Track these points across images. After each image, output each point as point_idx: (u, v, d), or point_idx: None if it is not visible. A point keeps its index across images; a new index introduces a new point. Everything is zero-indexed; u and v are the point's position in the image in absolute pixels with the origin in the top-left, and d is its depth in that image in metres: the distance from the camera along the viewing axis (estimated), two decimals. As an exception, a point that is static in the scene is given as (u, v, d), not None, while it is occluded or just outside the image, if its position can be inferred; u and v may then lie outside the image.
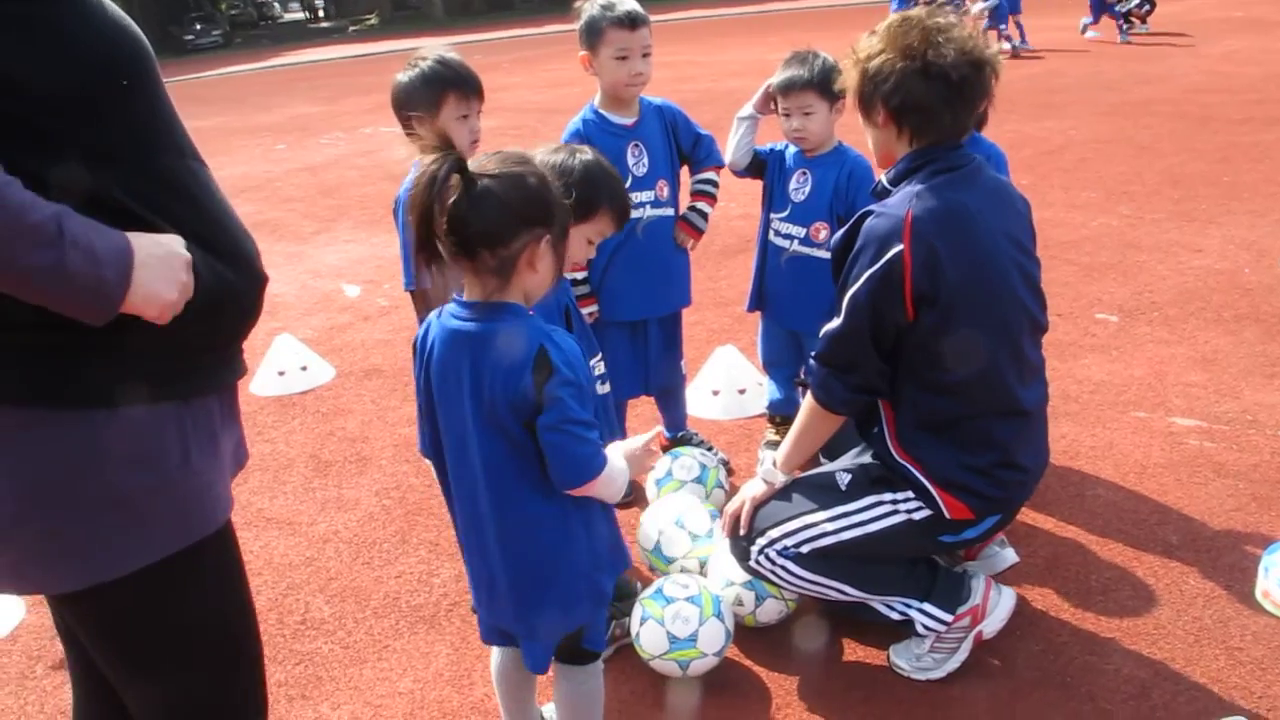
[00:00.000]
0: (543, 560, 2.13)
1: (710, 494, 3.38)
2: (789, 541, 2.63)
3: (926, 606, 2.63)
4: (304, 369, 5.17)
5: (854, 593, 2.65)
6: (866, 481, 2.62)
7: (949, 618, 2.62)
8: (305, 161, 12.02)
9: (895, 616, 2.67)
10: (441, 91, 3.04)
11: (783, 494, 2.70)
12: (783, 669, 2.82)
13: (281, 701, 2.91)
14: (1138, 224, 6.43)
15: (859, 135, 2.72)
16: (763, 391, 3.96)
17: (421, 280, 3.16)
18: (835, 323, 2.51)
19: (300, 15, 65.75)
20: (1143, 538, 3.21)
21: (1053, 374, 4.41)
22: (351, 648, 3.12)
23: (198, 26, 43.78)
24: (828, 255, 3.37)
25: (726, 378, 4.40)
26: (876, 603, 2.68)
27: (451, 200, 1.91)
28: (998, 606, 2.70)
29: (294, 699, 2.92)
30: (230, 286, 1.58)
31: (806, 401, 2.66)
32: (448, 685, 2.90)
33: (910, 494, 2.55)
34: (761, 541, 2.66)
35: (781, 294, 3.61)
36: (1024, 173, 7.82)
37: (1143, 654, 2.72)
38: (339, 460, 4.34)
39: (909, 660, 2.70)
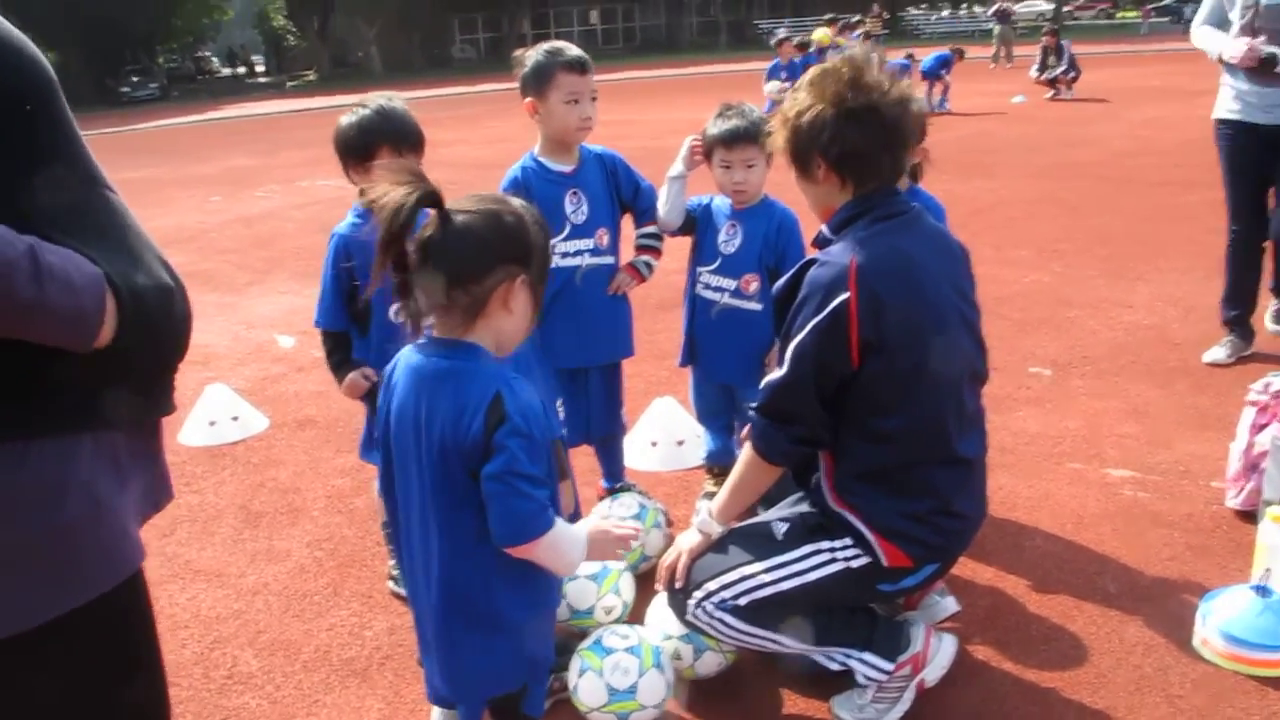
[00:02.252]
0: (476, 619, 2.04)
1: (648, 533, 3.34)
2: (726, 594, 2.56)
3: (867, 656, 2.59)
4: (235, 419, 5.05)
5: (793, 644, 2.60)
6: (804, 530, 2.58)
7: (890, 667, 2.58)
8: (240, 213, 11.88)
9: (835, 667, 2.64)
10: (376, 143, 2.99)
11: (719, 545, 2.64)
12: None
13: (205, 761, 2.79)
14: (1068, 281, 6.57)
15: (782, 189, 2.73)
16: (700, 443, 3.94)
17: (336, 321, 3.11)
18: (778, 373, 2.47)
19: (239, 70, 65.53)
20: (1082, 587, 3.22)
21: (989, 426, 4.41)
22: (280, 703, 3.00)
23: (134, 79, 43.52)
24: (759, 307, 3.42)
25: (664, 429, 4.37)
26: (817, 654, 2.64)
27: (427, 234, 1.88)
28: (939, 653, 2.67)
29: (218, 758, 2.80)
30: (149, 316, 1.50)
31: (745, 452, 2.61)
32: (380, 742, 2.80)
33: (849, 541, 2.51)
34: (698, 595, 2.58)
35: (712, 348, 3.59)
36: (957, 230, 7.80)
37: (1084, 703, 2.70)
38: (270, 511, 4.22)
39: (851, 711, 2.66)
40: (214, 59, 68.50)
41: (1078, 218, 8.25)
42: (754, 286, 3.44)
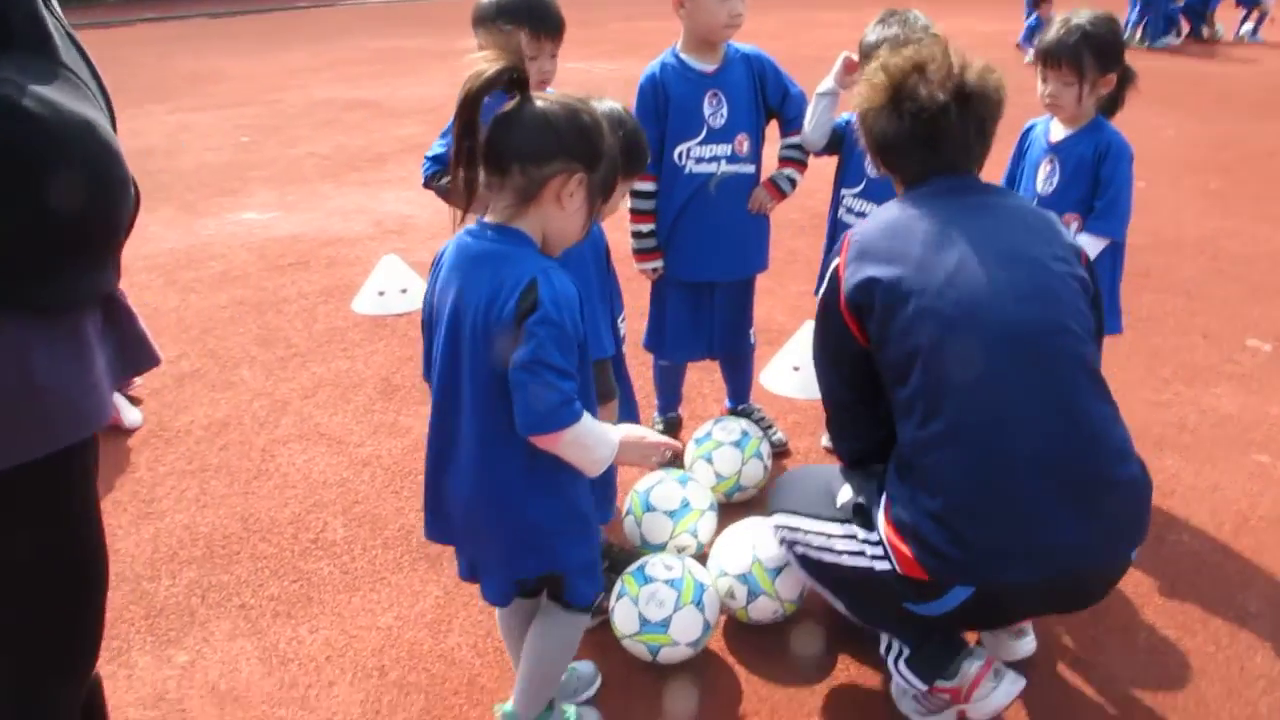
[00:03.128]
0: (495, 502, 2.03)
1: (747, 462, 3.19)
2: (785, 534, 2.45)
3: (902, 667, 2.31)
4: (404, 291, 5.15)
5: (844, 610, 2.40)
6: (854, 506, 2.30)
7: (923, 687, 2.29)
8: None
9: (881, 649, 2.39)
10: (513, 26, 2.87)
11: (809, 475, 2.52)
12: (769, 675, 2.60)
13: (266, 616, 2.89)
14: (1330, 246, 5.74)
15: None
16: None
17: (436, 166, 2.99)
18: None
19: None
20: (1218, 599, 2.81)
21: (1176, 400, 4.01)
22: (350, 573, 3.07)
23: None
24: None
25: (809, 354, 4.10)
26: (869, 628, 2.42)
27: (503, 110, 1.89)
28: (993, 693, 2.24)
29: (279, 615, 2.89)
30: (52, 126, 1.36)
31: None
32: (425, 628, 2.81)
33: (877, 536, 2.21)
34: (776, 520, 2.50)
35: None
36: (1216, 176, 7.12)
37: (1173, 732, 2.37)
38: (407, 386, 4.30)
39: (896, 690, 2.44)
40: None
41: (1371, 175, 7.17)
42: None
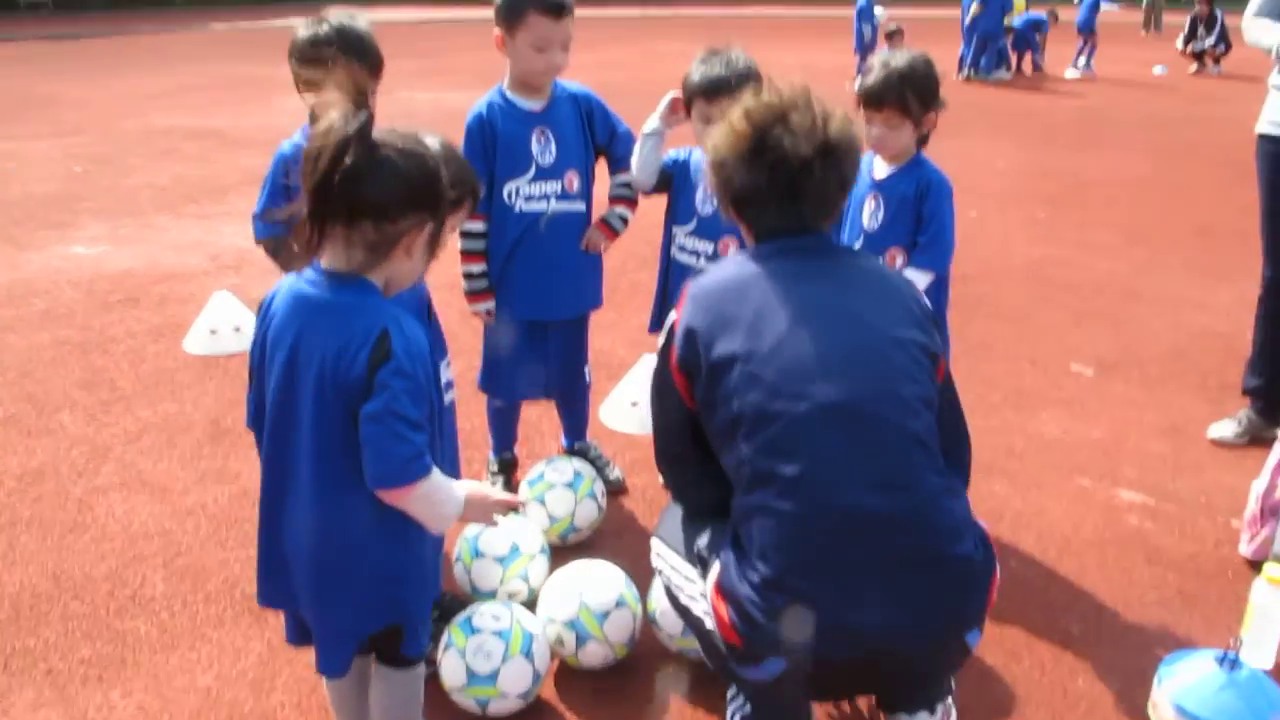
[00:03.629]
0: (346, 556, 1.98)
1: (580, 503, 3.16)
2: (657, 562, 2.37)
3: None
4: (237, 330, 4.95)
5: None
6: (701, 553, 2.21)
7: None
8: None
9: (727, 696, 2.33)
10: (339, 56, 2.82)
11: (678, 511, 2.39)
12: (604, 721, 2.55)
13: (75, 681, 2.71)
14: (1146, 271, 6.05)
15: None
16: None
17: (273, 229, 2.95)
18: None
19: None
20: (1041, 623, 2.89)
21: (1004, 426, 4.14)
22: (169, 631, 2.90)
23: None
24: None
25: (648, 389, 4.10)
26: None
27: (349, 160, 1.79)
28: None
29: (89, 680, 2.71)
30: None
31: None
32: (247, 687, 2.67)
33: (705, 587, 2.13)
34: (653, 543, 2.40)
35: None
36: (1043, 205, 7.46)
37: (999, 758, 2.42)
38: (237, 430, 4.12)
39: None
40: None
41: (1180, 204, 7.62)
42: (733, 249, 3.13)
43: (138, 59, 16.04)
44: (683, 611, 2.28)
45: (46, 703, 2.64)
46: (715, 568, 2.10)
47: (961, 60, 15.02)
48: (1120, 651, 2.78)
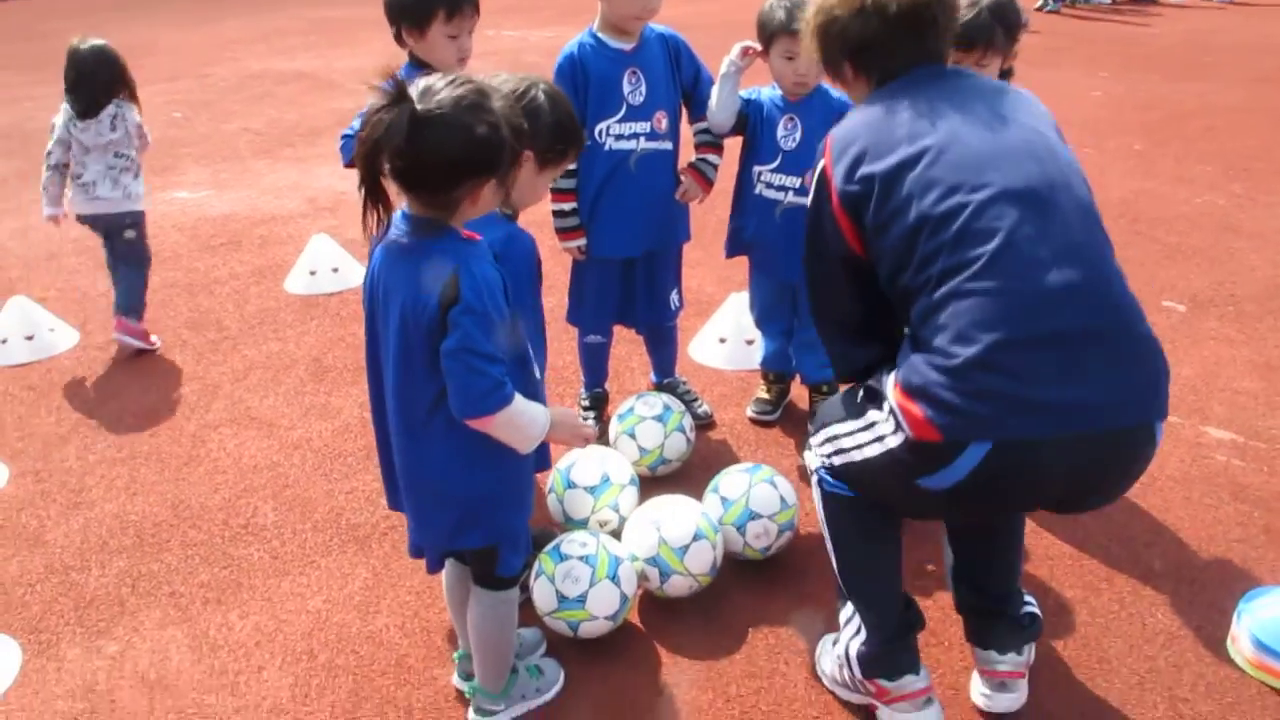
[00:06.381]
0: (432, 480, 2.15)
1: (669, 436, 3.26)
2: (817, 454, 2.34)
3: (853, 649, 2.34)
4: (335, 270, 5.14)
5: (837, 570, 2.38)
6: (864, 392, 2.21)
7: (858, 676, 2.35)
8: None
9: (840, 619, 2.42)
10: (431, 8, 2.92)
11: (837, 396, 2.38)
12: (689, 650, 2.67)
13: (196, 603, 2.91)
14: (1246, 205, 5.87)
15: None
16: (766, 345, 3.73)
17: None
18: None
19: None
20: (1123, 558, 2.92)
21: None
22: (280, 558, 3.09)
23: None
24: None
25: (736, 326, 4.18)
26: (841, 586, 2.40)
27: (397, 146, 1.89)
28: (909, 715, 2.30)
29: (209, 602, 2.91)
30: None
31: None
32: (354, 611, 2.84)
33: (887, 410, 2.09)
34: (812, 442, 2.36)
35: (776, 246, 3.35)
36: (1139, 136, 7.25)
37: (1075, 691, 2.47)
38: (338, 367, 4.30)
39: (826, 657, 2.52)
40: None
41: (1284, 135, 7.33)
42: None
43: (229, 4, 16.33)
44: (854, 472, 2.22)
45: (172, 621, 2.84)
46: (891, 377, 2.08)
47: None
48: (1201, 587, 2.80)
